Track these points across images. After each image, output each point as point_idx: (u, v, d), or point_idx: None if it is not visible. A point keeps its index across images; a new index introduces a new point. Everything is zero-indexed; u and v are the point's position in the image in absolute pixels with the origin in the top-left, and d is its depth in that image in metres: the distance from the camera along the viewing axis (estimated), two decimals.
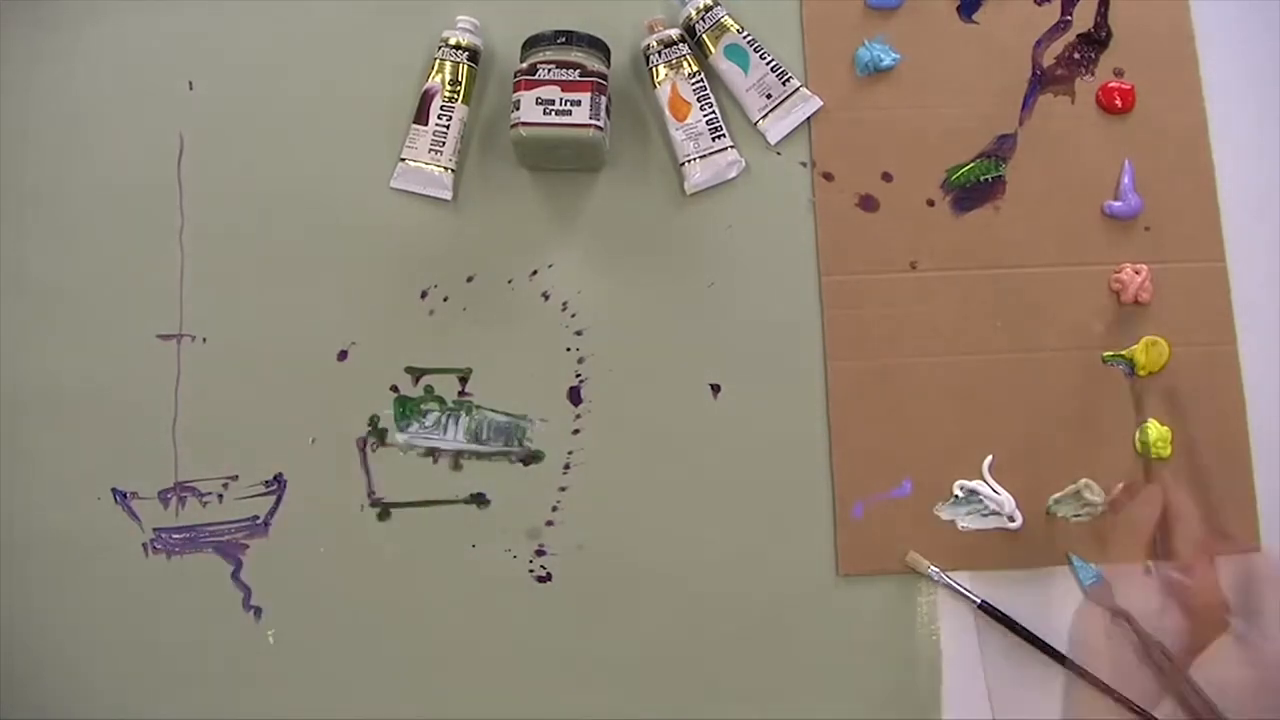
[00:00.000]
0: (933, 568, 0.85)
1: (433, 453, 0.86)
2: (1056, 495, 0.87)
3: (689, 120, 0.90)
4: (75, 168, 0.88)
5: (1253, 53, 0.94)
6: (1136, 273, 0.89)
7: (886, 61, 0.92)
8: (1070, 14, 0.94)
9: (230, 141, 0.90)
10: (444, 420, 0.87)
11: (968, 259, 0.90)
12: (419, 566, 0.84)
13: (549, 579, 0.85)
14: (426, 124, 0.89)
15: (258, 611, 0.83)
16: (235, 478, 0.85)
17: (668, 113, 0.90)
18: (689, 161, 0.90)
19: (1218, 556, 0.81)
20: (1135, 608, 0.81)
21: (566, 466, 0.86)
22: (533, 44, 0.87)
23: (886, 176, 0.91)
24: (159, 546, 0.84)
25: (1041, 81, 0.93)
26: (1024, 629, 0.84)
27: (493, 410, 0.87)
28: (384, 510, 0.85)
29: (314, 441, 0.86)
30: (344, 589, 0.84)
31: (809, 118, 0.92)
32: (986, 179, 0.91)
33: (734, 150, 0.91)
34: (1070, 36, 0.94)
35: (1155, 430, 0.87)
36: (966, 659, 0.84)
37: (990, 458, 0.87)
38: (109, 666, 0.82)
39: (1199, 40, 0.93)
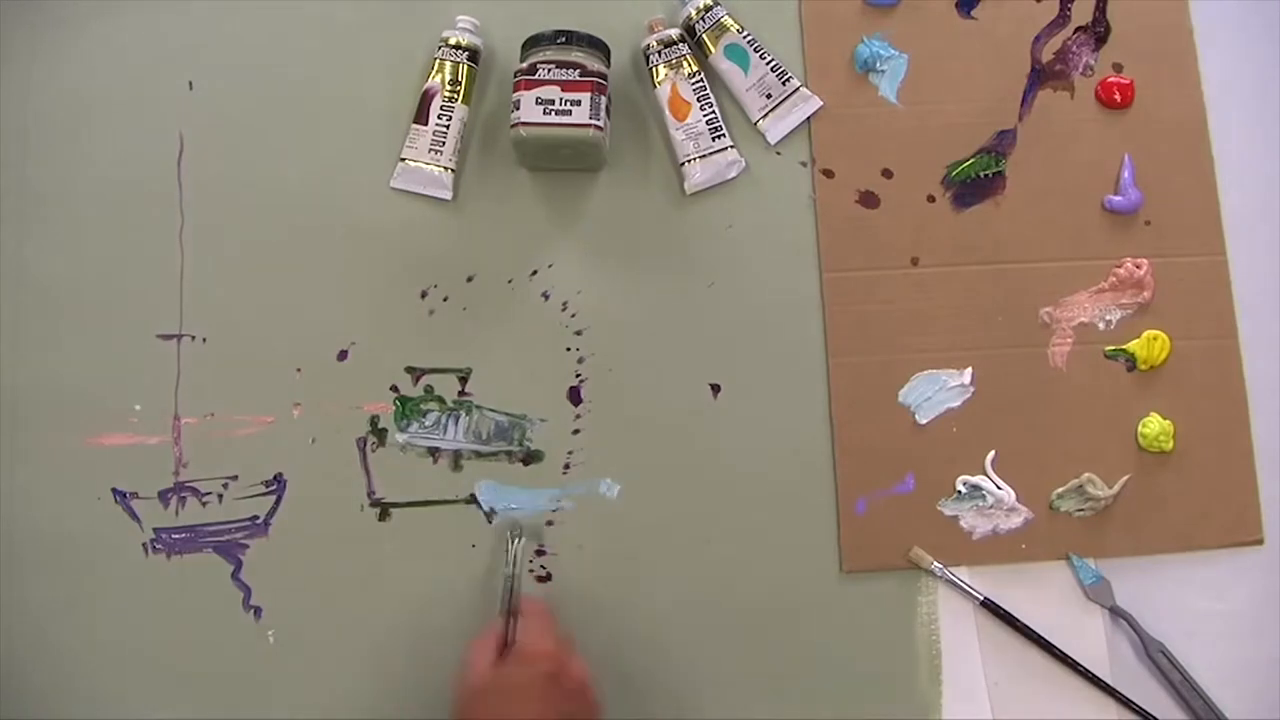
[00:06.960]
0: (935, 564, 0.84)
1: (433, 453, 0.86)
2: (1059, 490, 0.86)
3: (689, 120, 0.90)
4: (75, 167, 0.88)
5: (1251, 45, 0.94)
6: (1137, 267, 0.89)
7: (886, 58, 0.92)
8: (1068, 9, 0.94)
9: (230, 141, 0.90)
10: (444, 420, 0.86)
11: (969, 255, 0.90)
12: (419, 566, 0.84)
13: (549, 579, 0.84)
14: (426, 124, 0.89)
15: (258, 611, 0.83)
16: (235, 478, 0.85)
17: (668, 113, 0.90)
18: (689, 161, 0.90)
19: None
20: None
21: (566, 466, 0.86)
22: (533, 44, 0.87)
23: (887, 173, 0.91)
24: (159, 546, 0.84)
25: (1040, 77, 0.93)
26: (1026, 626, 0.84)
27: (493, 410, 0.87)
28: (384, 510, 0.85)
29: (314, 441, 0.86)
30: (344, 589, 0.83)
31: (809, 117, 0.92)
32: (986, 174, 0.91)
33: (734, 150, 0.90)
34: (1069, 31, 0.94)
35: (1157, 424, 0.87)
36: (968, 656, 0.84)
37: (993, 453, 0.87)
38: (109, 666, 0.82)
39: (1197, 33, 0.93)
